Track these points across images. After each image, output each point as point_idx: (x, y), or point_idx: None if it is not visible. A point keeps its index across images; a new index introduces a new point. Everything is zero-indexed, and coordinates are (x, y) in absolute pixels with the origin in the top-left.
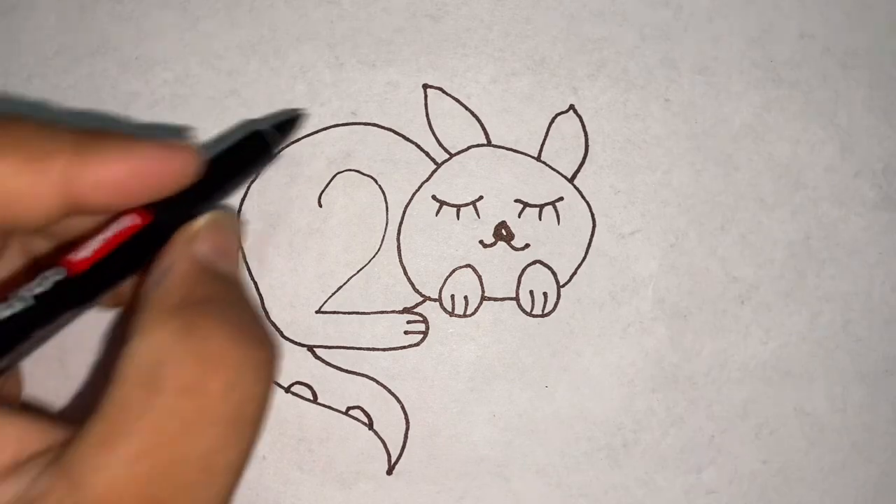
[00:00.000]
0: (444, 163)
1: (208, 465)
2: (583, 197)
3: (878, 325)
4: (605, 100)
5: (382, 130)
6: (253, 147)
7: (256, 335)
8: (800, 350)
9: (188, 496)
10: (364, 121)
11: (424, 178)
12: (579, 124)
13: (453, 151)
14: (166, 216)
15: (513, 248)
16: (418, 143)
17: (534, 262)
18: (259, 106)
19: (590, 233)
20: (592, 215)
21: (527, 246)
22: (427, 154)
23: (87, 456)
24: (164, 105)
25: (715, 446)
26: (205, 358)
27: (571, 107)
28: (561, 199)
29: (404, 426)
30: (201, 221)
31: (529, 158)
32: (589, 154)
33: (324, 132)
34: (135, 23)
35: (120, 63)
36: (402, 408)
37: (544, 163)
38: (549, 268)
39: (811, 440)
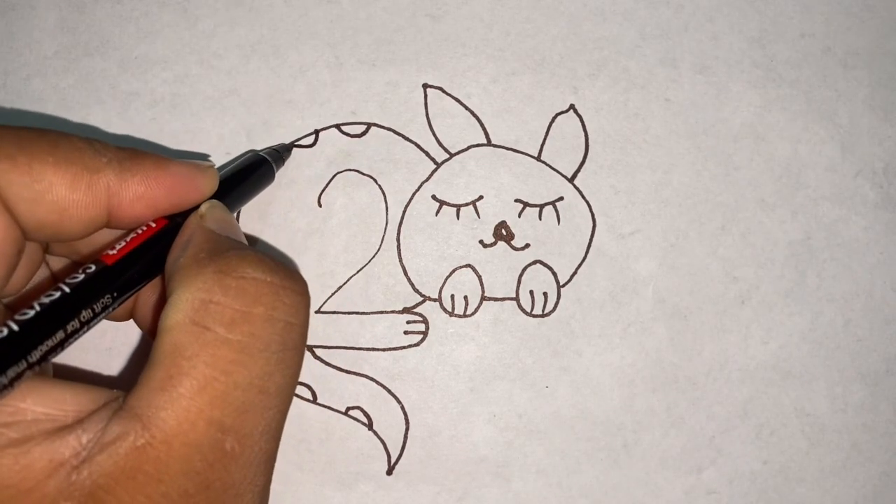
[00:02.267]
0: (444, 162)
1: (264, 387)
2: (583, 197)
3: (878, 325)
4: (605, 99)
5: (382, 130)
6: (256, 169)
7: (285, 269)
8: (800, 350)
9: (249, 418)
10: (364, 120)
11: (424, 178)
12: (579, 124)
13: (453, 151)
14: (179, 219)
15: (513, 248)
16: (418, 142)
17: (534, 262)
18: (259, 106)
19: (590, 233)
20: (592, 215)
21: (527, 246)
22: (427, 154)
23: (154, 398)
24: (163, 105)
25: (715, 446)
26: (245, 291)
27: (572, 106)
28: (561, 198)
29: (404, 426)
30: (204, 207)
31: (529, 158)
32: (589, 154)
33: (324, 132)
34: (134, 23)
35: (119, 63)
36: (402, 408)
37: (544, 162)
38: (550, 268)
39: (812, 440)
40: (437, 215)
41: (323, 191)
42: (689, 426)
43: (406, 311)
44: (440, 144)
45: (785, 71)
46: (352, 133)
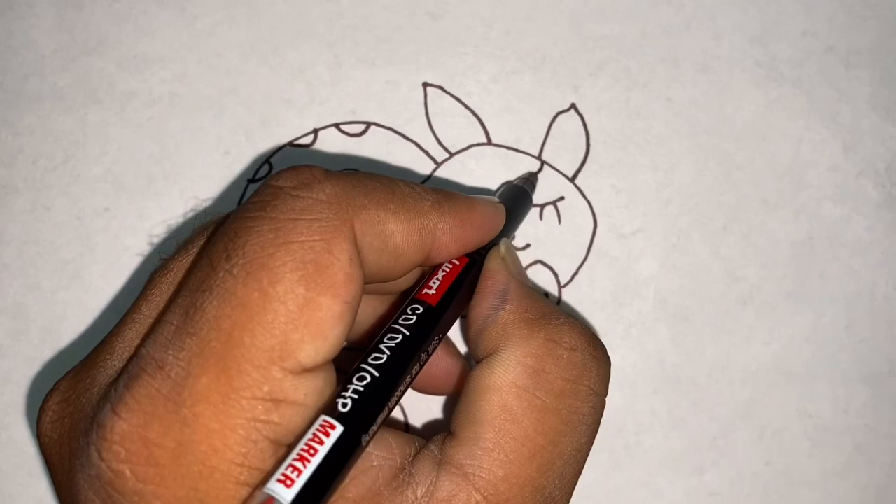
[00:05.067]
0: (444, 162)
1: (576, 459)
2: (584, 196)
3: (881, 326)
4: (606, 98)
5: (382, 129)
6: (522, 200)
7: (601, 344)
8: (802, 351)
9: (562, 486)
10: (363, 119)
11: (424, 178)
12: (580, 123)
13: (453, 150)
14: (477, 257)
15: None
16: (418, 142)
17: (535, 262)
18: (257, 105)
19: (591, 233)
20: (594, 215)
21: (527, 246)
22: (427, 153)
23: (484, 459)
24: (161, 104)
25: (717, 448)
26: (574, 364)
27: (572, 105)
28: (562, 198)
29: (404, 427)
30: (503, 248)
31: (530, 157)
32: (590, 153)
33: (323, 131)
34: (133, 21)
35: (118, 62)
36: (402, 409)
37: (545, 162)
38: (550, 268)
39: (814, 441)
40: None
41: None
42: (690, 427)
43: None
44: (440, 144)
45: (787, 70)
46: (351, 132)
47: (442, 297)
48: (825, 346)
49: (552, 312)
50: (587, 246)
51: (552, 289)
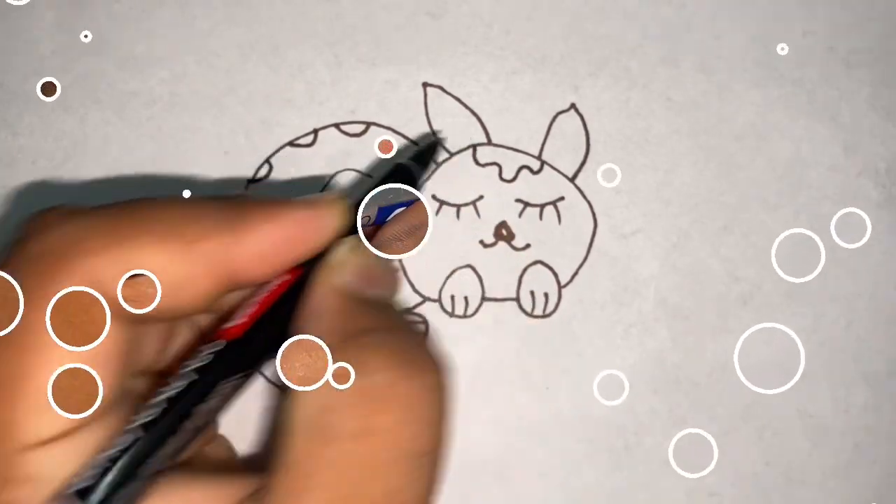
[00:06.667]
0: (443, 162)
1: (398, 502)
2: (584, 196)
3: (881, 326)
4: (606, 98)
5: (382, 129)
6: (398, 181)
7: (421, 360)
8: (802, 351)
9: None
10: (363, 119)
11: (424, 178)
12: (580, 123)
13: (453, 150)
14: (314, 265)
15: (513, 248)
16: (418, 142)
17: (534, 263)
18: (257, 105)
19: (591, 233)
20: (594, 215)
21: (527, 246)
22: None
23: None
24: (161, 104)
25: (717, 448)
26: (371, 396)
27: (573, 105)
28: (562, 198)
29: None
30: (339, 253)
31: (530, 157)
32: (590, 153)
33: (323, 131)
34: (133, 21)
35: (117, 62)
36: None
37: (545, 162)
38: (550, 268)
39: (814, 442)
40: (436, 215)
41: (322, 191)
42: (690, 427)
43: (406, 311)
44: (440, 144)
45: (787, 70)
46: (351, 132)
47: (248, 328)
48: (825, 346)
49: (359, 331)
50: (587, 246)
51: (552, 289)
